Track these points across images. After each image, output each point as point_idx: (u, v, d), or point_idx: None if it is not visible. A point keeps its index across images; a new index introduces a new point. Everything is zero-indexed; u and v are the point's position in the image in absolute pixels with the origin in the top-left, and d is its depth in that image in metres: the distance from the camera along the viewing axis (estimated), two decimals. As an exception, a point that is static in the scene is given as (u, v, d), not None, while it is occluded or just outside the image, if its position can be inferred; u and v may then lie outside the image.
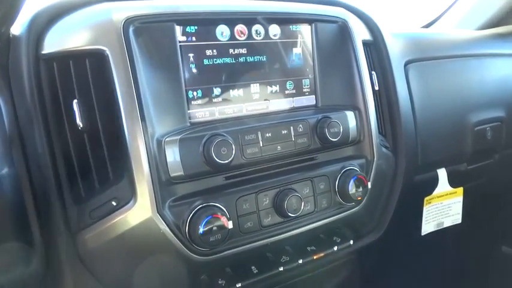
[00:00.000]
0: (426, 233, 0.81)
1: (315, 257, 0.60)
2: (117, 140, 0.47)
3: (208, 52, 0.54)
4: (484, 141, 0.85)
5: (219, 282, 0.54)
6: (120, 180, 0.47)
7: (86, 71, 0.47)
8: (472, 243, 1.25)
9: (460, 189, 0.84)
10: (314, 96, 0.63)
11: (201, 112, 0.54)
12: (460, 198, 0.85)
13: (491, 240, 1.22)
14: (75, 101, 0.47)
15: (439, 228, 0.83)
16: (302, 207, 0.55)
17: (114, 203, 0.47)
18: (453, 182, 0.82)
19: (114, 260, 0.49)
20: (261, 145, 0.54)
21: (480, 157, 0.87)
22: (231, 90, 0.56)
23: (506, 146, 0.91)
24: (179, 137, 0.49)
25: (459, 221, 0.86)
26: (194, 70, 0.53)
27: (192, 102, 0.53)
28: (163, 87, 0.50)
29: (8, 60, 0.47)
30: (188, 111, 0.53)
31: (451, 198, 0.83)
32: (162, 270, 0.51)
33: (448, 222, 0.84)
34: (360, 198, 0.60)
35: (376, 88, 0.68)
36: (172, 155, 0.48)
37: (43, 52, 0.47)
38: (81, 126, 0.47)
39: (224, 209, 0.50)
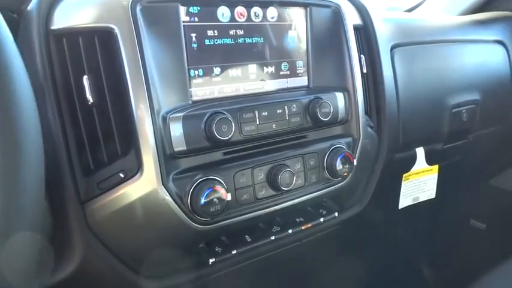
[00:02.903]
0: (403, 206, 0.88)
1: (303, 228, 0.64)
2: (125, 115, 0.49)
3: (210, 32, 0.56)
4: (460, 123, 0.91)
5: (216, 249, 0.58)
6: (127, 154, 0.50)
7: (95, 47, 0.49)
8: (444, 217, 1.34)
9: (436, 167, 0.91)
10: (307, 77, 0.66)
11: (202, 90, 0.57)
12: (435, 175, 0.91)
13: (461, 215, 1.31)
14: (85, 76, 0.49)
15: (415, 202, 0.90)
16: (294, 182, 0.59)
17: (121, 175, 0.50)
18: (430, 159, 0.88)
19: (121, 228, 0.52)
20: (258, 123, 0.58)
21: (455, 137, 0.93)
22: (229, 70, 0.59)
23: (480, 128, 0.97)
24: (182, 114, 0.52)
25: (433, 196, 0.92)
26: (196, 50, 0.55)
27: (194, 80, 0.56)
28: (167, 65, 0.52)
29: (18, 36, 0.48)
30: (190, 89, 0.55)
31: (427, 175, 0.90)
32: (165, 238, 0.55)
33: (423, 197, 0.91)
34: (346, 174, 0.65)
35: (364, 71, 0.72)
36: (176, 130, 0.51)
37: (53, 28, 0.49)
38: (91, 101, 0.49)
39: (223, 182, 0.54)
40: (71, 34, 0.49)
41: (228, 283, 0.71)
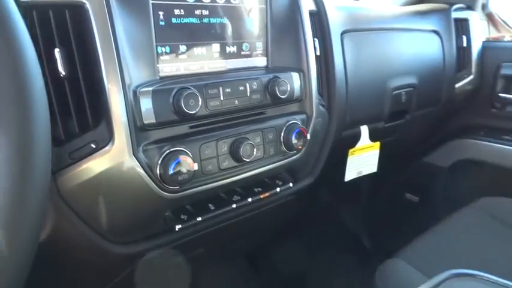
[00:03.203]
0: (349, 179, 0.96)
1: (261, 197, 0.70)
2: (96, 88, 0.51)
3: (177, 11, 0.59)
4: (399, 104, 1.00)
5: (182, 217, 0.63)
6: (99, 125, 0.53)
7: (66, 22, 0.50)
8: (382, 190, 1.47)
9: (377, 144, 1.00)
10: (266, 58, 0.71)
11: (168, 67, 0.60)
12: (377, 151, 1.01)
13: (397, 189, 1.44)
14: (56, 49, 0.50)
15: (359, 175, 0.99)
16: (254, 154, 0.65)
17: (93, 146, 0.52)
18: (372, 137, 0.97)
19: (92, 197, 0.54)
20: (222, 99, 0.62)
21: (395, 117, 1.03)
22: (195, 48, 0.62)
23: (416, 109, 1.08)
24: (152, 88, 0.55)
25: (375, 170, 1.02)
26: (163, 27, 0.58)
27: (161, 57, 0.59)
28: (137, 41, 0.55)
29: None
30: (158, 65, 0.58)
31: (369, 150, 0.99)
32: (135, 207, 0.58)
33: (366, 171, 1.00)
34: (300, 147, 0.71)
35: (318, 54, 0.78)
36: (146, 104, 0.54)
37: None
38: (63, 74, 0.50)
39: (190, 153, 0.58)
40: (41, 7, 0.50)
41: (193, 248, 0.76)
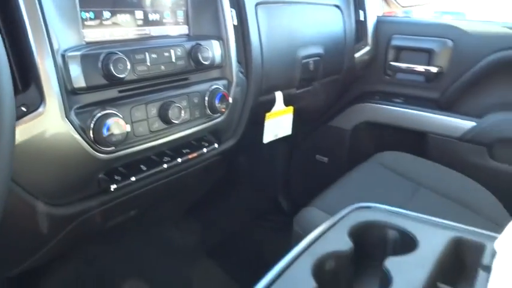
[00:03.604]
0: (267, 141, 1.06)
1: (190, 157, 0.76)
2: (24, 52, 0.52)
3: (99, -23, 0.60)
4: (308, 71, 1.11)
5: (116, 178, 0.66)
6: (28, 89, 0.53)
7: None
8: (297, 153, 1.61)
9: (291, 108, 1.10)
10: (187, 26, 0.75)
11: (93, 33, 0.61)
12: (290, 115, 1.11)
13: (308, 151, 1.58)
14: (-21, 12, 0.49)
15: (276, 138, 1.09)
16: (182, 116, 0.70)
17: (23, 109, 0.53)
18: (286, 102, 1.07)
19: (26, 161, 0.55)
20: (149, 64, 0.65)
21: (305, 84, 1.14)
22: (118, 15, 0.64)
23: (322, 76, 1.20)
24: (80, 52, 0.56)
25: (289, 132, 1.13)
26: (87, -7, 0.59)
27: (86, 22, 0.60)
28: (61, 5, 0.55)
29: None
30: (82, 31, 0.59)
31: (284, 114, 1.09)
32: (70, 169, 0.59)
33: (281, 133, 1.10)
34: (223, 110, 0.78)
35: (235, 23, 0.84)
36: (75, 68, 0.56)
37: None
38: (-12, 37, 0.50)
39: (121, 116, 0.61)
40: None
41: (126, 210, 0.79)
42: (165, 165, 0.71)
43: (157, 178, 0.74)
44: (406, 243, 0.57)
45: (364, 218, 0.65)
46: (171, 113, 0.67)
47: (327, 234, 0.61)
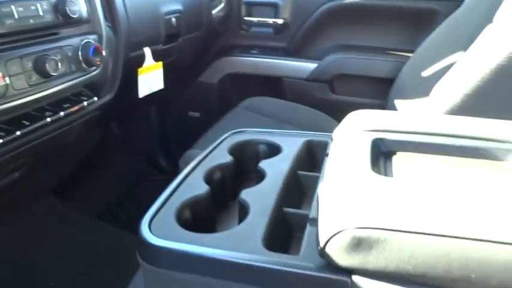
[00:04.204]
0: (142, 95, 1.11)
1: (72, 110, 0.78)
2: None
3: None
4: (172, 27, 1.19)
5: (0, 134, 0.66)
6: None
7: None
8: (170, 111, 1.68)
9: (160, 63, 1.17)
10: (49, -19, 0.76)
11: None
12: (161, 70, 1.18)
13: (181, 107, 1.67)
14: None
15: (151, 91, 1.15)
16: (59, 68, 0.72)
17: None
18: (155, 57, 1.14)
19: None
20: (17, 17, 0.66)
21: (170, 40, 1.21)
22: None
23: (186, 33, 1.29)
24: None
25: (162, 86, 1.20)
26: None
27: None
28: None
29: None
30: None
31: (155, 69, 1.15)
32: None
33: (155, 88, 1.17)
34: (99, 62, 0.82)
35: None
36: None
37: None
38: None
39: (-3, 70, 0.61)
40: None
41: (12, 169, 0.78)
42: (48, 119, 0.73)
43: (42, 134, 0.75)
44: (273, 151, 0.73)
45: (239, 139, 0.78)
46: (48, 66, 0.70)
47: (212, 153, 0.73)
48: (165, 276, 0.49)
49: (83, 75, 0.80)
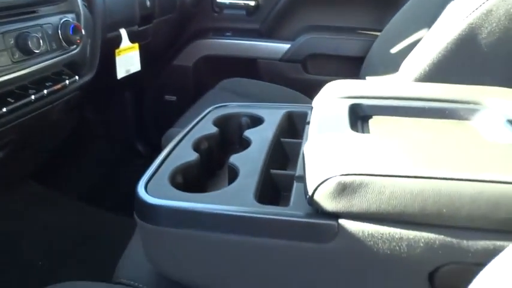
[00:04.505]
0: (121, 76, 1.12)
1: (55, 88, 0.79)
2: None
3: None
4: (146, 8, 1.19)
5: (-15, 110, 0.66)
6: None
7: None
8: (146, 96, 1.68)
9: (136, 45, 1.18)
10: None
11: None
12: (137, 52, 1.18)
13: (157, 91, 1.67)
14: None
15: (128, 73, 1.15)
16: (41, 46, 0.72)
17: None
18: (131, 39, 1.14)
19: None
20: (-4, -6, 0.66)
21: (145, 21, 1.22)
22: None
23: (160, 14, 1.29)
24: None
25: (139, 68, 1.20)
26: None
27: None
28: None
29: None
30: None
31: (131, 51, 1.16)
32: None
33: (132, 69, 1.17)
34: (78, 41, 0.82)
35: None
36: None
37: None
38: None
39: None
40: None
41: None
42: (32, 97, 0.74)
43: (26, 111, 0.76)
44: (256, 123, 0.76)
45: (223, 112, 0.81)
46: (31, 43, 0.70)
47: (197, 126, 0.76)
48: (162, 234, 0.52)
49: (64, 54, 0.81)
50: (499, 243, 0.43)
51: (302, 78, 1.51)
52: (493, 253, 0.36)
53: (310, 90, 1.44)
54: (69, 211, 1.20)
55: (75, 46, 0.83)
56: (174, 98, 1.69)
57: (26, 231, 1.07)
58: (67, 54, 0.81)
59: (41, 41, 0.72)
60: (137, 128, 1.74)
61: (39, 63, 0.74)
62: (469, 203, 0.42)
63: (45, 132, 1.01)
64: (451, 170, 0.44)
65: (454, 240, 0.44)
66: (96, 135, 1.59)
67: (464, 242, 0.44)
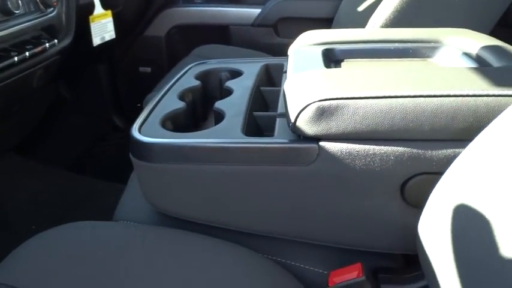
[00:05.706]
0: (97, 44, 1.13)
1: (36, 50, 0.80)
2: None
3: None
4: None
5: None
6: None
7: None
8: (120, 68, 1.68)
9: (109, 12, 1.18)
10: None
11: None
12: (111, 19, 1.19)
13: (131, 63, 1.67)
14: None
15: (103, 41, 1.16)
16: (20, 6, 0.74)
17: None
18: (103, 5, 1.14)
19: None
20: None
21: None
22: None
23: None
24: None
25: (114, 36, 1.21)
26: None
27: None
28: None
29: None
30: None
31: (105, 18, 1.16)
32: None
33: (107, 37, 1.18)
34: (55, 3, 0.83)
35: None
36: None
37: None
38: None
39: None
40: None
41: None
42: (15, 58, 0.75)
43: (10, 74, 0.77)
44: (236, 76, 0.80)
45: (203, 68, 0.85)
46: (10, 3, 0.71)
47: (180, 80, 0.79)
48: (158, 170, 0.56)
49: (41, 16, 0.82)
50: (458, 150, 0.50)
51: (275, 43, 1.54)
52: (453, 162, 0.42)
53: (282, 54, 1.48)
54: (56, 180, 1.22)
55: (52, 9, 0.84)
56: (148, 69, 1.69)
57: (15, 198, 1.09)
58: (45, 17, 0.83)
59: (19, 2, 0.73)
60: (114, 102, 1.74)
61: (19, 24, 0.76)
62: (431, 117, 0.49)
63: (25, 101, 1.02)
64: (414, 89, 0.50)
65: (420, 151, 0.50)
66: (74, 110, 1.59)
67: (429, 152, 0.50)
